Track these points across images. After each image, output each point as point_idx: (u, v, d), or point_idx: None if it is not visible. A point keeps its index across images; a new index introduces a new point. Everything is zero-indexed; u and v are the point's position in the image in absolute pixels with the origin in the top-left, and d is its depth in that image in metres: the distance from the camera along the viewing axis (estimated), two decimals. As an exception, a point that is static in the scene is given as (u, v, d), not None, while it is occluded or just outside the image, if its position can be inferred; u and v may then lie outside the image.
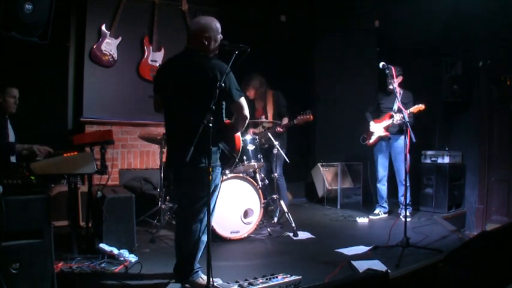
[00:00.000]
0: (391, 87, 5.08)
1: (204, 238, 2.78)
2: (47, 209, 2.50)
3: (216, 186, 2.84)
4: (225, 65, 2.70)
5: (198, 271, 2.83)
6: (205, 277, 2.65)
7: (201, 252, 2.83)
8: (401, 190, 5.11)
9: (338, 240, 4.19)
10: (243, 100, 2.80)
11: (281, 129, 4.95)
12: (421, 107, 4.67)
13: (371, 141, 5.23)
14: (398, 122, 4.86)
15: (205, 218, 2.68)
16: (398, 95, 4.93)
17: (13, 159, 3.59)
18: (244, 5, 6.16)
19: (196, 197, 2.78)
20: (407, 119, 3.84)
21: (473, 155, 5.70)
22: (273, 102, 5.10)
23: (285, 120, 4.99)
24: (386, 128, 5.08)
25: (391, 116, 4.99)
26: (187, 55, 2.85)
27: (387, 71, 3.94)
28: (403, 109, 4.26)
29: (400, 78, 4.97)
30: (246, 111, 2.82)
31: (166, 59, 3.15)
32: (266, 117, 5.06)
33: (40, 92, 4.85)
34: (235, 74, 2.76)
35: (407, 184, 4.40)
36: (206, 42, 2.80)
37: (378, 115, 5.25)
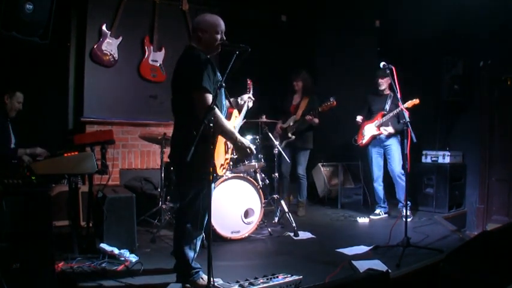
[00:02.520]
0: (382, 87, 5.10)
1: (195, 241, 2.79)
2: (48, 209, 2.51)
3: (202, 188, 2.66)
4: (198, 58, 2.68)
5: (198, 271, 2.83)
6: (205, 277, 2.66)
7: (193, 252, 2.81)
8: (398, 187, 5.10)
9: (339, 240, 4.19)
10: (199, 94, 2.60)
11: (315, 120, 5.11)
12: (416, 101, 4.63)
13: (364, 141, 5.23)
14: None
15: (195, 219, 2.72)
16: (390, 96, 4.96)
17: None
18: (244, 4, 6.15)
19: (183, 196, 2.80)
20: (407, 119, 3.82)
21: (473, 154, 5.69)
22: (308, 102, 5.28)
23: (309, 116, 5.09)
24: (379, 127, 5.08)
25: (384, 115, 4.99)
26: (183, 53, 2.87)
27: (388, 71, 3.93)
28: (403, 109, 4.23)
29: (388, 80, 4.92)
30: (200, 107, 2.58)
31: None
32: (296, 113, 5.28)
33: (40, 92, 4.85)
34: (237, 74, 2.75)
35: (406, 183, 4.39)
36: (200, 34, 2.79)
37: (369, 117, 5.25)
